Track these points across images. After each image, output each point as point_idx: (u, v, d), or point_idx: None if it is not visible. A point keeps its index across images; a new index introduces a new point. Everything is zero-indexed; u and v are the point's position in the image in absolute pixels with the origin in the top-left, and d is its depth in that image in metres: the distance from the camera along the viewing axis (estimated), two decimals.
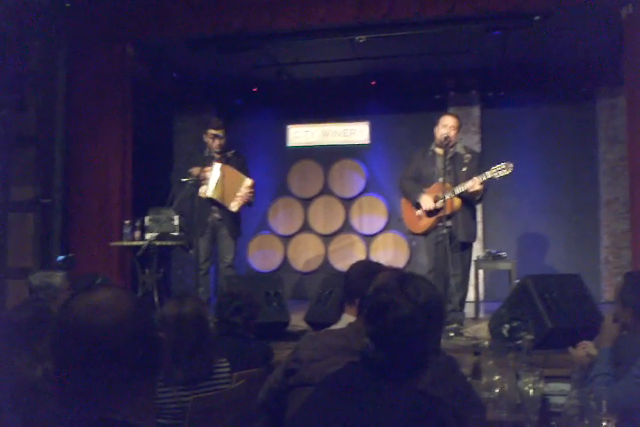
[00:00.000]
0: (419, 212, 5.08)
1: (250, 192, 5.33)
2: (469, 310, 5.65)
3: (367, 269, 2.46)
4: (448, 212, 4.77)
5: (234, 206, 5.30)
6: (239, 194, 5.30)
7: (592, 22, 5.91)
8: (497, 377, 2.68)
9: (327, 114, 8.10)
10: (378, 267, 2.48)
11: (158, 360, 1.24)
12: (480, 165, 5.06)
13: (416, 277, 1.65)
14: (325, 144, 8.19)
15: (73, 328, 1.18)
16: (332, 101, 7.90)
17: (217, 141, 5.34)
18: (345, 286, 2.53)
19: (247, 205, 5.41)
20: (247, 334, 3.32)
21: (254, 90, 7.92)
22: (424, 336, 1.52)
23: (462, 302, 5.03)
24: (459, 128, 5.10)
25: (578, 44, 6.53)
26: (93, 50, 6.12)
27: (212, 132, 5.35)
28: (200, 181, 5.21)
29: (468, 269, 5.18)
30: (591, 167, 7.53)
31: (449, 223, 4.81)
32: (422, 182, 5.07)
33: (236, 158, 5.49)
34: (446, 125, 4.98)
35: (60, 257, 5.21)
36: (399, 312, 1.51)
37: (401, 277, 1.61)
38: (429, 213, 4.98)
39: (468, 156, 5.02)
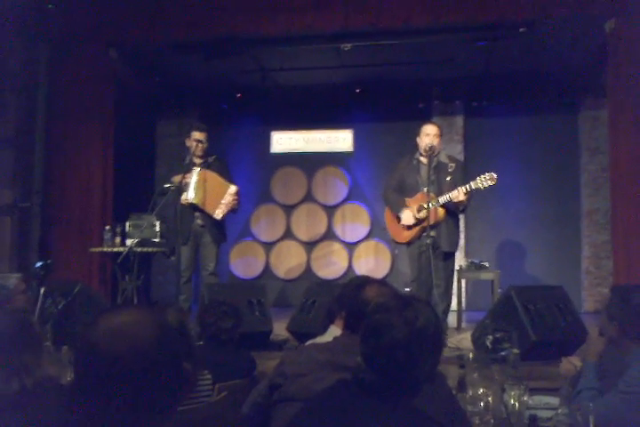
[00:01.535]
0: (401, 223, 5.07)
1: (234, 199, 5.27)
2: (452, 319, 5.65)
3: (354, 281, 2.43)
4: (432, 222, 4.76)
5: (218, 214, 5.23)
6: (224, 202, 5.23)
7: (576, 35, 5.97)
8: (482, 390, 2.66)
9: (311, 121, 8.08)
10: (365, 279, 2.45)
11: (182, 392, 1.18)
12: (464, 174, 5.06)
13: (419, 300, 1.60)
14: (309, 151, 8.17)
15: (91, 352, 1.13)
16: (317, 108, 7.89)
17: (200, 146, 5.28)
18: (333, 299, 2.49)
19: (231, 212, 5.36)
20: (230, 343, 3.26)
21: (238, 95, 7.88)
22: (418, 362, 1.48)
23: (446, 311, 5.02)
24: (441, 136, 5.10)
25: (562, 56, 6.59)
26: (76, 52, 6.05)
27: (196, 136, 5.28)
28: (182, 187, 5.13)
29: (451, 278, 5.18)
30: (573, 178, 7.60)
31: (432, 233, 4.79)
32: (406, 191, 5.06)
33: (218, 163, 5.43)
34: (429, 134, 4.97)
35: (39, 263, 5.12)
36: (394, 335, 1.47)
37: (402, 299, 1.57)
38: (410, 226, 4.98)
39: (452, 165, 5.02)
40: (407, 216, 4.96)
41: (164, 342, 1.16)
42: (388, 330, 1.48)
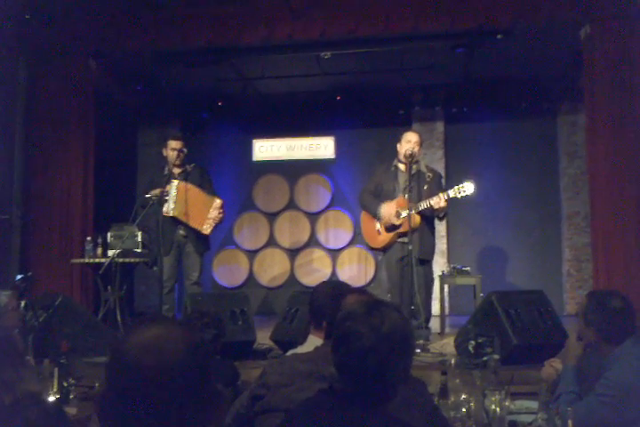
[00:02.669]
0: (378, 226, 5.07)
1: (220, 213, 5.25)
2: (435, 324, 5.67)
3: (334, 290, 2.43)
4: (409, 228, 4.75)
5: (206, 229, 5.21)
6: (210, 216, 5.21)
7: (553, 41, 6.07)
8: (464, 396, 2.68)
9: (292, 128, 8.11)
10: (344, 288, 2.46)
11: (214, 411, 1.17)
12: (441, 184, 5.12)
13: (385, 304, 1.59)
14: (291, 159, 8.19)
15: (123, 365, 1.12)
16: (298, 116, 7.92)
17: (177, 154, 5.22)
18: (310, 309, 2.49)
19: (217, 224, 5.34)
20: (213, 353, 3.25)
21: (220, 104, 7.89)
22: (388, 367, 1.48)
23: (427, 318, 5.03)
24: (421, 144, 5.14)
25: (540, 62, 6.69)
26: (54, 62, 6.03)
27: (172, 144, 5.25)
28: (162, 199, 5.09)
29: (431, 285, 5.19)
30: (553, 182, 7.69)
31: (406, 240, 4.80)
32: (382, 197, 5.06)
33: (197, 171, 5.38)
34: (410, 141, 5.00)
35: (19, 276, 5.07)
36: (361, 343, 1.47)
37: (369, 305, 1.58)
38: (388, 229, 4.98)
39: (430, 175, 5.06)
40: (388, 208, 4.93)
41: (196, 358, 1.15)
42: (355, 338, 1.48)
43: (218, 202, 5.25)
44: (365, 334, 1.47)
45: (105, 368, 1.16)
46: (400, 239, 4.90)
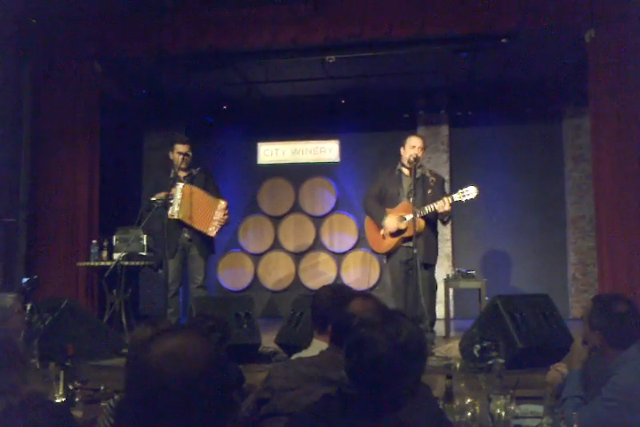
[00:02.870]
0: (382, 231, 5.08)
1: (225, 214, 5.26)
2: (440, 328, 5.67)
3: (335, 294, 2.43)
4: (413, 232, 4.76)
5: (212, 231, 5.22)
6: (215, 218, 5.22)
7: (557, 45, 6.07)
8: (469, 400, 2.68)
9: (297, 132, 8.13)
10: (347, 292, 2.46)
11: (228, 419, 1.19)
12: (444, 189, 5.14)
13: (400, 314, 1.60)
14: (296, 162, 8.20)
15: (144, 373, 1.14)
16: (303, 120, 7.93)
17: (183, 158, 5.25)
18: (313, 313, 2.49)
19: (223, 226, 5.34)
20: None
21: (225, 107, 7.91)
22: (401, 376, 1.49)
23: (432, 321, 5.03)
24: (425, 148, 5.16)
25: (544, 66, 6.69)
26: (60, 66, 6.06)
27: (179, 148, 5.26)
28: (167, 202, 5.10)
29: (435, 289, 5.19)
30: (558, 185, 7.68)
31: (411, 244, 4.80)
32: (386, 202, 5.07)
33: (203, 175, 5.40)
34: (414, 146, 5.01)
35: (25, 279, 5.09)
36: (376, 351, 1.47)
37: (384, 314, 1.59)
38: (393, 234, 4.99)
39: (433, 179, 5.07)
40: (391, 222, 4.97)
41: (215, 367, 1.18)
42: (371, 345, 1.49)
43: (222, 204, 5.26)
44: (381, 342, 1.48)
45: (125, 375, 1.18)
46: (405, 244, 4.91)
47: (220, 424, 1.18)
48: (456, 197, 4.78)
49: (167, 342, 1.18)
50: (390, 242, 5.02)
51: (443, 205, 4.77)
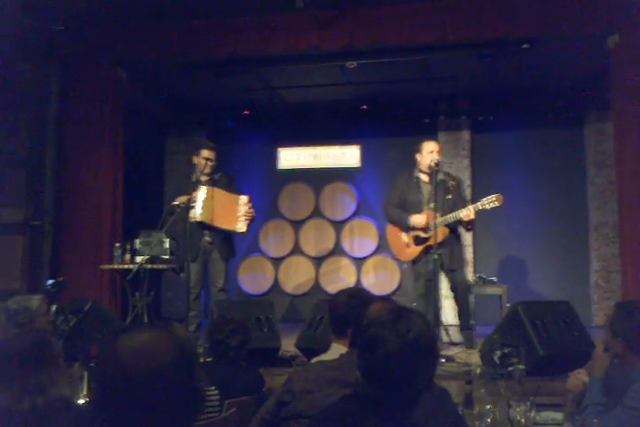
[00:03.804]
0: (405, 239, 5.07)
1: (250, 208, 5.29)
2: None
3: (352, 298, 2.45)
4: (439, 240, 4.76)
5: (242, 227, 5.24)
6: (240, 213, 5.25)
7: (579, 50, 6.03)
8: (489, 406, 2.67)
9: (318, 137, 8.16)
10: (365, 296, 2.48)
11: (196, 410, 1.23)
12: (462, 191, 5.13)
13: (411, 311, 1.61)
14: (316, 167, 8.23)
15: (111, 370, 1.18)
16: (323, 125, 7.96)
17: (208, 164, 5.32)
18: (331, 318, 2.51)
19: (251, 221, 5.35)
20: (239, 360, 3.29)
21: (246, 113, 7.97)
22: (413, 373, 1.50)
23: (471, 327, 5.08)
24: (441, 151, 5.15)
25: (566, 71, 6.65)
26: (85, 73, 6.15)
27: (205, 154, 5.33)
28: (189, 205, 5.16)
29: (467, 291, 5.20)
30: (580, 191, 7.61)
31: (439, 251, 4.79)
32: (407, 209, 5.06)
33: (224, 179, 5.46)
34: (432, 151, 5.00)
35: (50, 281, 5.17)
36: (387, 349, 1.48)
37: (395, 312, 1.60)
38: (417, 242, 4.98)
39: (453, 183, 5.06)
40: (418, 218, 4.93)
41: (182, 361, 1.21)
42: (381, 344, 1.50)
43: (244, 198, 5.29)
44: (391, 340, 1.49)
45: (95, 372, 1.22)
46: (431, 251, 4.87)
47: (188, 419, 1.21)
48: (480, 205, 4.77)
49: (134, 339, 1.21)
50: (414, 250, 5.02)
51: (468, 214, 4.77)
